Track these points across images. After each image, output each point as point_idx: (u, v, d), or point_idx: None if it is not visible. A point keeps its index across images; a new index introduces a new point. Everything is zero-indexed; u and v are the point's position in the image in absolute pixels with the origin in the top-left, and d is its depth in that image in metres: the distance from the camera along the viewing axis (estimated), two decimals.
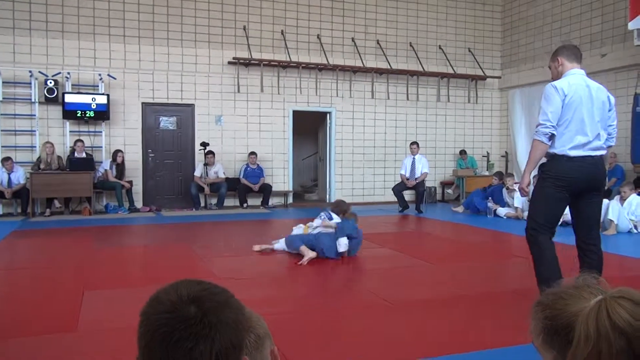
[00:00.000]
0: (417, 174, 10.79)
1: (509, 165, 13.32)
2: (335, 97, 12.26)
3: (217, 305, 0.99)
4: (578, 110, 3.59)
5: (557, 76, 3.75)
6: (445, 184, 13.27)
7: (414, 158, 10.91)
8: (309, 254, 5.54)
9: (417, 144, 11.07)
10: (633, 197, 7.82)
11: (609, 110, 3.73)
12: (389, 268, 5.48)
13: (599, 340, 0.98)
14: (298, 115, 12.26)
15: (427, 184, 12.00)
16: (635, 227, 7.79)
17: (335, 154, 12.41)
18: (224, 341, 0.96)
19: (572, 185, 3.64)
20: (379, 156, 12.73)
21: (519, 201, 9.50)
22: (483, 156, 13.50)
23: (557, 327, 1.09)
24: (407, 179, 10.80)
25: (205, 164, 10.90)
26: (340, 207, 6.04)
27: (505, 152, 13.55)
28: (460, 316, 3.76)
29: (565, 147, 3.62)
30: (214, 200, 11.06)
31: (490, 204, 9.91)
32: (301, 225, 6.25)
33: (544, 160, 3.75)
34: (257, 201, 11.51)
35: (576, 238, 3.81)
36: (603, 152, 3.69)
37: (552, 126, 3.60)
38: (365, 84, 12.47)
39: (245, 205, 11.06)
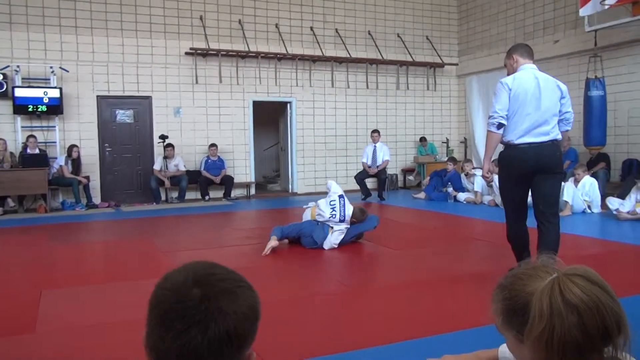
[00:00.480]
0: (379, 161, 10.88)
1: (467, 151, 13.56)
2: (295, 86, 12.21)
3: (221, 292, 0.97)
4: (523, 101, 3.93)
5: (513, 72, 4.11)
6: (406, 171, 13.43)
7: (375, 146, 10.98)
8: (270, 243, 5.52)
9: (378, 132, 11.15)
10: (586, 179, 8.08)
11: (562, 98, 4.02)
12: (352, 256, 5.50)
13: (552, 316, 1.00)
14: (258, 106, 12.18)
15: (389, 171, 12.12)
16: (589, 207, 8.05)
17: (296, 144, 12.38)
18: (219, 330, 0.93)
19: (522, 169, 3.96)
20: (341, 145, 12.76)
21: (478, 185, 9.69)
22: (443, 142, 13.70)
23: (516, 307, 1.10)
24: (369, 167, 10.87)
25: (165, 157, 10.73)
26: (357, 218, 5.80)
27: (464, 137, 13.78)
28: (423, 300, 3.81)
29: (512, 135, 3.97)
30: (174, 194, 10.92)
31: (450, 190, 10.09)
32: (309, 205, 6.12)
33: (501, 148, 4.17)
34: (219, 193, 11.41)
35: (535, 214, 4.07)
36: (549, 138, 3.95)
37: (500, 117, 3.95)
38: (325, 73, 12.46)
39: (207, 197, 10.95)
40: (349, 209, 5.73)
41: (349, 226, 5.74)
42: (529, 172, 3.97)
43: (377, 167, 10.82)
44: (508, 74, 4.11)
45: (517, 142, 3.96)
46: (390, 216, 8.52)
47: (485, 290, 3.72)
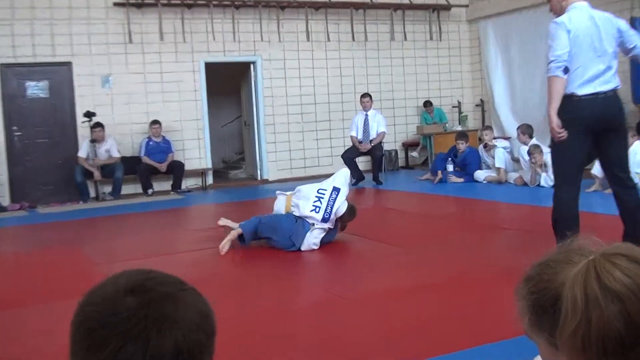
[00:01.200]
0: (372, 134, 10.86)
1: (485, 117, 13.60)
2: (259, 42, 12.11)
3: (162, 297, 0.99)
4: (583, 45, 4.24)
5: (560, 11, 4.39)
6: (408, 146, 13.42)
7: (366, 115, 10.95)
8: (229, 236, 5.66)
9: (370, 97, 11.11)
10: (637, 145, 8.09)
11: (623, 34, 4.39)
12: (343, 256, 5.49)
13: (588, 307, 1.02)
14: (212, 69, 12.06)
15: (386, 146, 12.10)
16: None
17: (264, 117, 12.31)
18: (164, 343, 0.95)
19: (588, 124, 4.27)
20: (322, 115, 12.71)
21: (500, 160, 9.73)
22: (453, 107, 13.72)
23: (545, 302, 1.12)
24: (360, 142, 10.86)
25: (93, 141, 10.61)
26: (345, 220, 5.85)
27: (480, 100, 13.81)
28: (430, 308, 3.81)
29: (573, 85, 4.25)
30: (107, 188, 10.83)
31: (450, 168, 10.06)
32: (282, 195, 6.16)
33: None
34: (165, 185, 11.34)
35: (610, 182, 4.56)
36: (613, 86, 4.34)
37: (564, 60, 4.22)
38: (298, 23, 12.37)
39: (150, 191, 10.87)
40: (341, 206, 5.67)
41: (332, 227, 5.72)
42: (595, 130, 4.29)
43: (371, 141, 10.80)
44: (555, 13, 4.42)
45: (580, 93, 4.25)
46: (390, 204, 8.52)
47: (511, 291, 3.73)
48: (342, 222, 5.80)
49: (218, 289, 4.65)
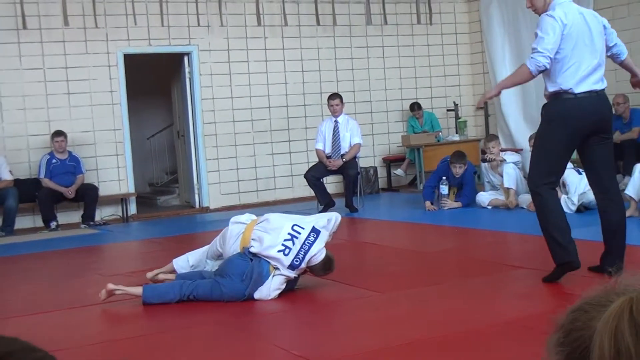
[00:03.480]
0: (344, 147, 10.89)
1: (489, 123, 13.76)
2: (195, 27, 12.14)
3: None
4: (578, 41, 5.09)
5: (542, 8, 5.23)
6: (391, 162, 13.51)
7: (336, 122, 10.99)
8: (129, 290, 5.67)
9: (340, 98, 11.16)
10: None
11: (608, 30, 5.33)
12: (310, 306, 5.50)
13: (619, 356, 1.03)
14: (134, 63, 12.07)
15: (362, 163, 12.17)
16: None
17: (203, 126, 12.31)
18: None
19: (578, 128, 5.12)
20: (279, 123, 12.75)
21: (510, 179, 9.76)
22: (449, 110, 13.85)
23: (579, 355, 1.12)
24: (329, 158, 10.88)
25: None
26: (317, 273, 5.79)
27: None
28: None
29: (570, 82, 5.09)
30: None
31: (444, 187, 10.05)
32: (239, 225, 5.92)
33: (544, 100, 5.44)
34: (74, 216, 11.28)
35: (593, 191, 5.44)
36: (604, 85, 5.23)
37: (549, 57, 5.06)
38: (247, 3, 12.43)
39: (53, 224, 10.78)
40: (317, 255, 5.59)
41: (297, 276, 5.72)
42: (586, 130, 5.12)
43: (342, 156, 10.83)
44: (536, 10, 5.28)
45: (577, 90, 5.08)
46: (369, 236, 8.55)
47: (527, 348, 3.78)
48: (312, 273, 5.76)
49: (144, 356, 4.62)
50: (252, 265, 5.52)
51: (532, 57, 5.10)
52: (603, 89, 5.25)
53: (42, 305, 6.05)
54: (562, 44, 5.07)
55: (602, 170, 5.28)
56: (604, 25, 5.31)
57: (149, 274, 6.11)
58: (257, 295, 5.52)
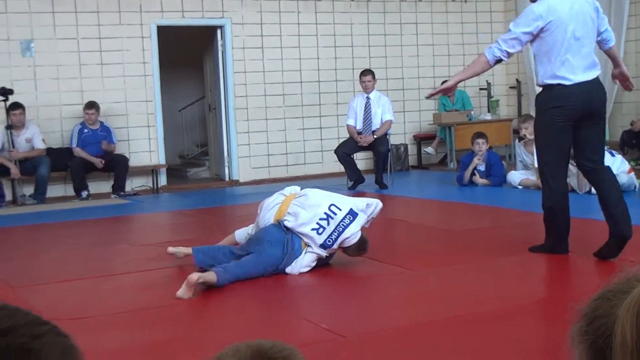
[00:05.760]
0: (375, 124, 10.86)
1: (522, 102, 13.67)
2: (229, 0, 12.12)
3: (9, 354, 0.98)
4: (562, 31, 5.21)
5: None
6: (421, 139, 13.48)
7: (368, 98, 10.96)
8: (192, 279, 5.06)
9: (373, 74, 11.11)
10: None
11: (600, 15, 5.42)
12: (339, 282, 5.52)
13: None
14: (168, 35, 12.06)
15: (393, 140, 12.13)
16: None
17: (235, 99, 12.32)
18: None
19: (571, 114, 5.26)
20: (310, 98, 12.74)
21: None
22: (481, 89, 13.78)
23: (603, 344, 1.12)
24: (360, 134, 10.86)
25: (9, 127, 10.58)
26: (351, 254, 5.77)
27: (516, 80, 13.88)
28: (451, 351, 3.83)
29: (557, 73, 5.24)
30: (29, 189, 10.80)
31: (478, 163, 10.04)
32: (280, 196, 5.87)
33: (538, 90, 5.69)
34: (105, 186, 11.34)
35: (580, 166, 5.65)
36: (598, 72, 5.38)
37: (508, 53, 5.34)
38: None
39: (84, 194, 10.86)
40: (351, 237, 5.56)
41: (329, 255, 5.70)
42: (580, 116, 5.27)
43: (373, 133, 10.81)
44: None
45: (565, 83, 5.22)
46: (398, 214, 8.53)
47: (554, 330, 3.77)
48: (345, 252, 5.73)
49: (172, 325, 4.65)
50: (287, 237, 5.51)
51: (491, 47, 5.35)
52: (597, 76, 5.38)
53: (70, 272, 6.12)
54: (548, 37, 5.22)
55: (591, 151, 5.43)
56: (597, 9, 5.39)
57: (170, 249, 5.98)
58: (288, 269, 5.53)
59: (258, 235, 5.66)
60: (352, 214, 5.57)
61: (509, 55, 5.39)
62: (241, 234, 6.15)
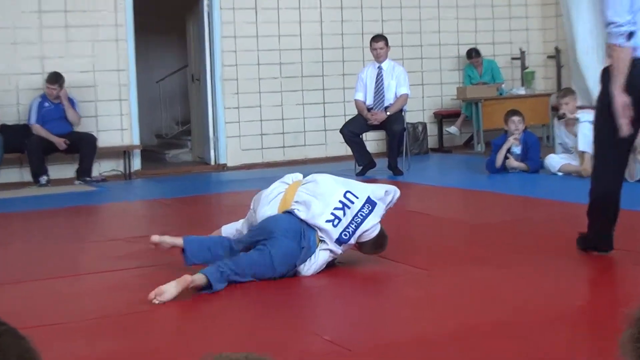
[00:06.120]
0: (389, 99, 10.86)
1: (562, 74, 13.63)
2: None
3: None
4: None
5: None
6: (443, 117, 13.48)
7: (380, 68, 10.96)
8: (170, 287, 4.97)
9: (386, 40, 11.11)
10: None
11: None
12: (346, 284, 5.51)
13: None
14: None
15: (409, 118, 12.12)
16: None
17: (223, 68, 12.34)
18: None
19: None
20: (312, 68, 12.76)
21: (585, 141, 9.66)
22: (513, 59, 13.78)
23: None
24: (370, 110, 10.84)
25: None
26: (367, 251, 5.76)
27: (555, 48, 13.89)
28: None
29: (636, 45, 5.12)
30: None
31: (514, 143, 10.03)
32: (282, 184, 5.79)
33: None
34: (68, 170, 11.38)
35: None
36: None
37: (628, 22, 5.04)
38: None
39: (44, 179, 10.87)
40: (370, 230, 5.51)
41: (342, 252, 5.65)
42: None
43: (386, 109, 10.80)
44: None
45: None
46: (415, 205, 8.54)
47: (602, 341, 3.75)
48: (360, 249, 5.70)
49: (148, 334, 4.65)
50: (303, 228, 5.39)
51: (610, 32, 5.14)
52: None
53: (28, 273, 6.10)
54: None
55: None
56: None
57: (155, 238, 5.68)
58: (302, 269, 5.43)
59: (264, 225, 5.48)
60: (371, 203, 5.54)
61: (632, 22, 5.09)
62: (229, 230, 6.06)
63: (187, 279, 4.94)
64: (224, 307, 5.05)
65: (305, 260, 5.39)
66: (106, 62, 11.70)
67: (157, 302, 4.87)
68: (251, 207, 5.82)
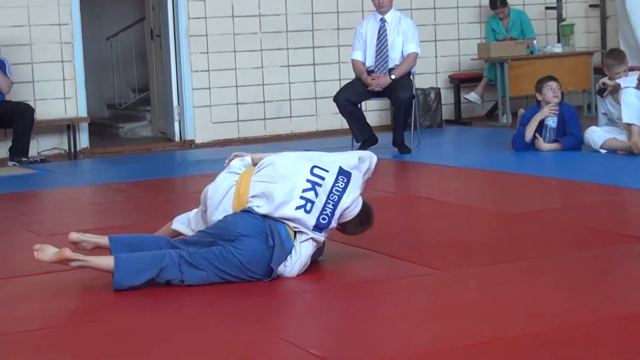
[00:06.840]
0: (394, 59, 10.88)
1: (608, 29, 13.65)
2: None
3: None
4: None
5: None
6: (461, 81, 13.56)
7: (383, 21, 10.97)
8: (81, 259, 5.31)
9: None
10: None
11: None
12: (339, 287, 5.54)
13: None
14: None
15: (418, 82, 12.16)
16: None
17: (189, 21, 12.35)
18: None
19: None
20: (299, 21, 12.83)
21: (631, 111, 9.66)
22: (548, 8, 13.79)
23: None
24: (371, 73, 10.87)
25: None
26: (350, 231, 5.82)
27: None
28: None
29: None
30: None
31: (549, 115, 10.07)
32: (231, 174, 5.80)
33: None
34: (0, 149, 11.42)
35: None
36: None
37: None
38: None
39: None
40: (351, 206, 5.57)
41: (326, 238, 5.71)
42: None
43: (390, 71, 10.82)
44: None
45: None
46: (425, 189, 8.60)
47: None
48: (343, 230, 5.75)
49: (99, 347, 4.66)
50: (267, 224, 5.44)
51: None
52: None
53: None
54: None
55: None
56: None
57: (74, 235, 5.71)
58: (283, 270, 5.46)
59: (220, 225, 5.53)
60: (345, 175, 5.58)
61: None
62: (182, 220, 6.11)
63: (65, 255, 5.18)
64: (186, 318, 5.05)
65: (285, 259, 5.43)
66: (44, 15, 11.73)
67: (35, 256, 5.25)
68: (202, 209, 5.87)
